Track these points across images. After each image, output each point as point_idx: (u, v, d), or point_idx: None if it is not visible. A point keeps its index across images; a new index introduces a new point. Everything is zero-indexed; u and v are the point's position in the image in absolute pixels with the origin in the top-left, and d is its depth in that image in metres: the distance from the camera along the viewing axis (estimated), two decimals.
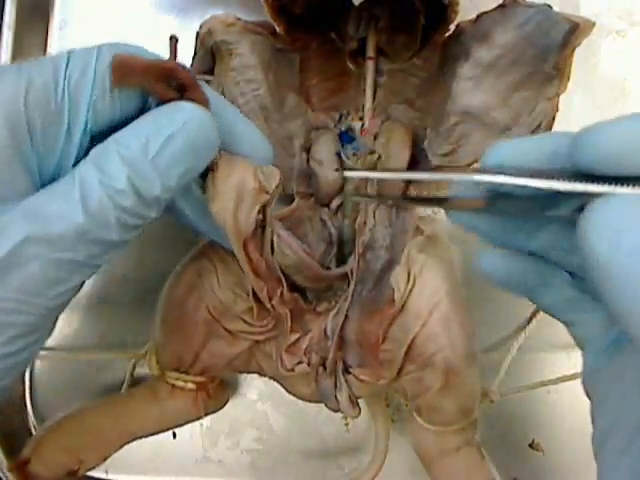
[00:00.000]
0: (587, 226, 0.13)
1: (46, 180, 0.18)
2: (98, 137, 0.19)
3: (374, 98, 0.30)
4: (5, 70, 0.17)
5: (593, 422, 0.18)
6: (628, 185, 0.13)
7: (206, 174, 0.21)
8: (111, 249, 0.18)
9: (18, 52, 0.33)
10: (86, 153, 0.18)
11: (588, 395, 0.19)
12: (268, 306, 0.26)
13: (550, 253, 0.18)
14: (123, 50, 0.18)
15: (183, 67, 0.19)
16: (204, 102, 0.19)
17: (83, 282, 0.18)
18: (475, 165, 0.28)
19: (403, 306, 0.26)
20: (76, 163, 0.18)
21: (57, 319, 0.19)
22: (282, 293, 0.26)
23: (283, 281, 0.26)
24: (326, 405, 0.28)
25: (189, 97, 0.19)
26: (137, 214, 0.17)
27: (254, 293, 0.26)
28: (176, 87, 0.19)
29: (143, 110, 0.19)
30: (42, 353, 0.34)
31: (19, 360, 0.17)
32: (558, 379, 0.31)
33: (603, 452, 0.17)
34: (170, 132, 0.17)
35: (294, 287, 0.27)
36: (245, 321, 0.27)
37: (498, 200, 0.17)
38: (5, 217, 0.16)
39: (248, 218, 0.22)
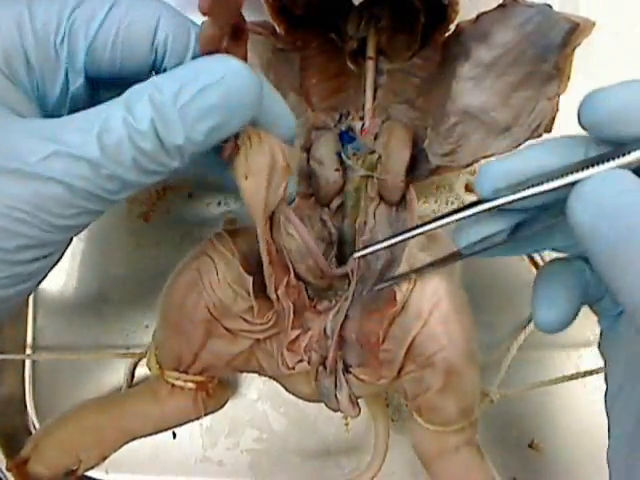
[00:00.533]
0: (573, 200, 0.15)
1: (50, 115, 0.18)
2: (103, 85, 0.19)
3: (374, 98, 0.30)
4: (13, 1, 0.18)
5: (606, 382, 0.19)
6: (624, 155, 0.15)
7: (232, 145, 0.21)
8: (128, 188, 0.18)
9: None
10: (89, 102, 0.18)
11: (603, 357, 0.20)
12: (273, 297, 0.26)
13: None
14: (138, 8, 0.18)
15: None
16: (244, 57, 0.18)
17: (99, 211, 0.18)
18: (475, 165, 0.28)
19: (403, 306, 0.26)
20: (73, 110, 0.18)
21: (69, 242, 0.19)
22: (288, 282, 0.26)
23: (290, 268, 0.26)
24: (326, 405, 0.28)
25: (236, 47, 0.18)
26: (157, 160, 0.17)
27: (255, 287, 0.26)
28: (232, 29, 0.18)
29: (151, 69, 0.19)
30: (42, 353, 0.34)
31: (30, 270, 0.18)
32: (558, 379, 0.31)
33: (613, 409, 0.18)
34: (206, 83, 0.17)
35: (298, 279, 0.28)
36: (245, 320, 0.27)
37: (513, 232, 0.19)
38: (22, 133, 0.17)
39: (275, 196, 0.22)
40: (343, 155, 0.29)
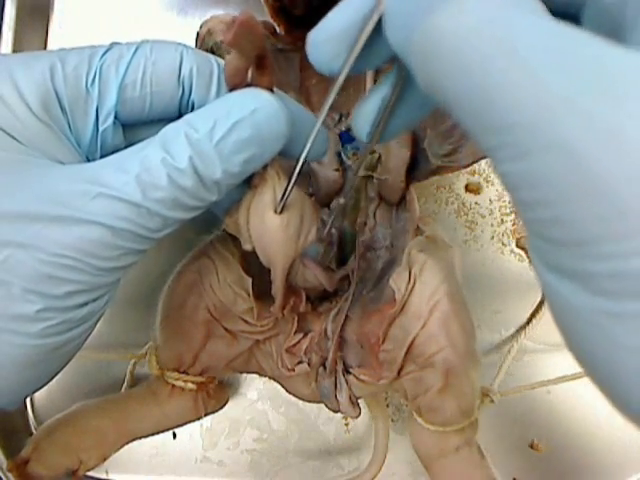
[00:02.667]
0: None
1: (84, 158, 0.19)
2: (131, 129, 0.20)
3: None
4: (46, 52, 0.19)
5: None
6: None
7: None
8: (170, 226, 0.18)
9: (18, 52, 0.33)
10: (119, 144, 0.19)
11: None
12: (279, 315, 0.26)
13: None
14: (162, 48, 0.19)
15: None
16: (270, 85, 0.19)
17: (143, 250, 0.18)
18: (475, 166, 0.28)
19: (403, 306, 0.26)
20: (105, 152, 0.19)
21: (118, 282, 0.19)
22: (294, 304, 0.26)
23: (303, 296, 0.26)
24: (326, 405, 0.28)
25: (260, 76, 0.18)
26: (196, 196, 0.18)
27: (254, 288, 0.26)
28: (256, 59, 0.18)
29: (179, 104, 0.19)
30: None
31: (81, 315, 0.18)
32: (558, 379, 0.31)
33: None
34: (238, 117, 0.17)
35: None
36: (245, 321, 0.27)
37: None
38: (65, 178, 0.17)
39: (305, 240, 0.22)
40: (343, 155, 0.29)
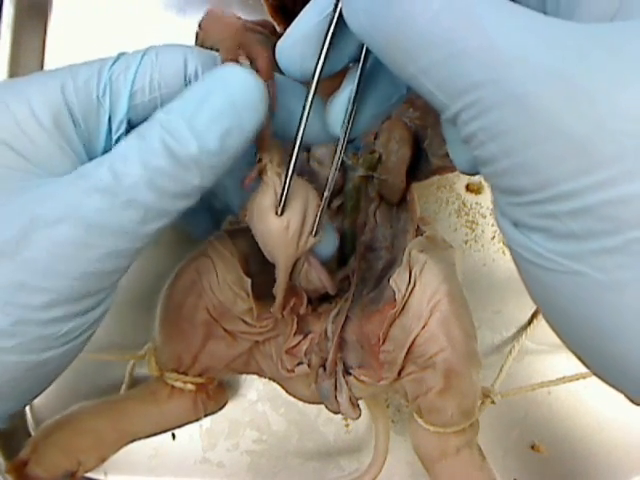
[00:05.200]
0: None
1: None
2: None
3: None
4: (56, 69, 0.19)
5: None
6: None
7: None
8: (154, 218, 0.17)
9: (16, 51, 0.33)
10: None
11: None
12: (279, 316, 0.26)
13: None
14: (167, 52, 0.19)
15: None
16: (267, 72, 0.19)
17: (129, 249, 0.17)
18: None
19: (404, 307, 0.26)
20: None
21: (106, 296, 0.18)
22: (294, 305, 0.26)
23: (304, 297, 0.26)
24: (326, 407, 0.28)
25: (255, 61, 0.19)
26: (175, 177, 0.17)
27: (254, 288, 0.26)
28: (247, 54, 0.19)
29: None
30: None
31: (64, 330, 0.17)
32: (559, 380, 0.31)
33: None
34: (208, 89, 0.17)
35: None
36: (245, 322, 0.27)
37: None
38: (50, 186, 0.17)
39: (308, 241, 0.22)
40: (343, 155, 0.29)
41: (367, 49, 0.18)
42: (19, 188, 0.17)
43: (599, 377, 0.15)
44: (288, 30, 0.18)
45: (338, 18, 0.16)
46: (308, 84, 0.18)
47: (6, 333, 0.16)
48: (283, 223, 0.20)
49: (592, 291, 0.12)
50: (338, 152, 0.20)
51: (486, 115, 0.13)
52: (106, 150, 0.19)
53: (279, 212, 0.20)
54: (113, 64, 0.19)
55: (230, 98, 0.17)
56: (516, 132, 0.12)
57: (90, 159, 0.18)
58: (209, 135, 0.17)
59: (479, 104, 0.13)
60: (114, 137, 0.19)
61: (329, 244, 0.24)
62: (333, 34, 0.17)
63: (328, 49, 0.17)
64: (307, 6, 0.17)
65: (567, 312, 0.14)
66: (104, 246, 0.16)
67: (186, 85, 0.19)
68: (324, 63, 0.17)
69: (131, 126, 0.19)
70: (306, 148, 0.30)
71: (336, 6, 0.16)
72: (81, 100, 0.18)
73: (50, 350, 0.17)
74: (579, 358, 0.15)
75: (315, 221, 0.22)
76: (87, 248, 0.16)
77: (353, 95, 0.18)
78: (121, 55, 0.19)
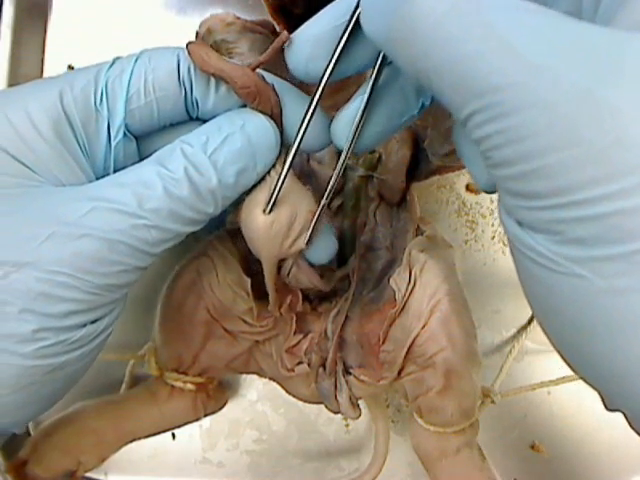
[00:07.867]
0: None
1: (99, 176, 0.19)
2: (144, 140, 0.20)
3: None
4: (54, 77, 0.19)
5: None
6: None
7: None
8: (167, 240, 0.18)
9: (16, 51, 0.33)
10: (131, 161, 0.19)
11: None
12: (276, 314, 0.26)
13: None
14: (159, 53, 0.19)
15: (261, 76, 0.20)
16: (273, 104, 0.20)
17: (141, 267, 0.18)
18: None
19: (404, 306, 0.26)
20: (119, 167, 0.19)
21: (118, 306, 0.19)
22: (291, 302, 0.26)
23: (299, 295, 0.26)
24: (326, 407, 0.28)
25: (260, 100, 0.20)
26: (193, 207, 0.18)
27: (254, 288, 0.26)
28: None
29: (186, 107, 0.20)
30: None
31: (77, 337, 0.18)
32: (559, 380, 0.31)
33: None
34: (229, 131, 0.19)
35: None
36: (245, 321, 0.27)
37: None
38: (69, 195, 0.18)
39: (295, 245, 0.22)
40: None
41: (381, 61, 0.18)
42: (28, 195, 0.17)
43: (580, 376, 0.15)
44: (302, 27, 0.18)
45: (354, 24, 0.17)
46: (312, 91, 0.18)
47: (26, 339, 0.17)
48: (267, 220, 0.21)
49: (589, 294, 0.13)
50: (340, 164, 0.20)
51: (505, 119, 0.12)
52: (106, 157, 0.19)
53: (267, 210, 0.20)
54: (109, 69, 0.19)
55: (249, 140, 0.19)
56: (535, 138, 0.12)
57: (91, 166, 0.19)
58: (228, 171, 0.18)
59: (497, 107, 0.13)
60: (113, 144, 0.19)
61: (325, 251, 0.24)
62: (347, 39, 0.17)
63: (340, 53, 0.17)
64: (324, 9, 0.18)
65: (560, 311, 0.14)
66: (121, 263, 0.17)
67: (180, 86, 0.19)
68: (333, 67, 0.18)
69: (130, 133, 0.19)
70: None
71: (354, 12, 0.17)
72: (80, 108, 0.18)
73: (65, 354, 0.18)
74: (562, 356, 0.16)
75: (309, 227, 0.21)
76: (106, 264, 0.17)
77: (363, 106, 0.19)
78: (116, 60, 0.19)
